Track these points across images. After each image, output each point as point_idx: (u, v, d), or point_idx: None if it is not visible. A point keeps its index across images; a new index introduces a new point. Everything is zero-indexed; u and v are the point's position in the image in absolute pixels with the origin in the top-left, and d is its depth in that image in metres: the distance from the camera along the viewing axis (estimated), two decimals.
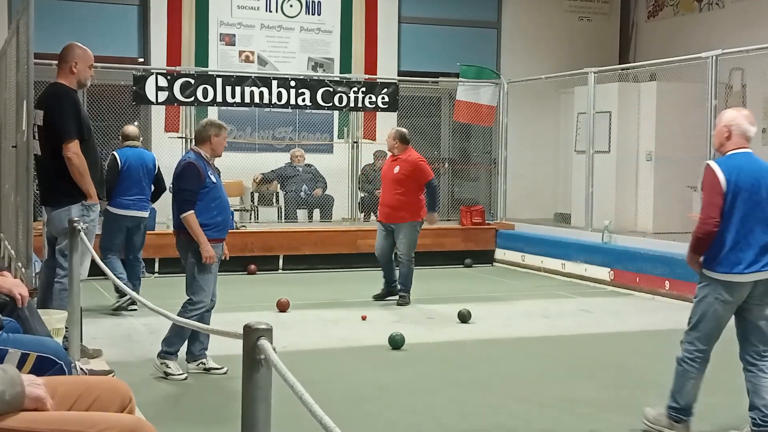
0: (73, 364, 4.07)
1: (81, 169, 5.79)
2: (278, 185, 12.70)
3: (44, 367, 3.09)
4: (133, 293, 4.82)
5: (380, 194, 9.41)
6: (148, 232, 10.66)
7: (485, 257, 12.58)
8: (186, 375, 5.91)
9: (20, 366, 3.01)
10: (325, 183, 12.65)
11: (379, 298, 9.29)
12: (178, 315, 5.44)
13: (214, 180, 5.98)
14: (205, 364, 6.03)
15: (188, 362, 6.03)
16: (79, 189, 5.84)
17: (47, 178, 5.93)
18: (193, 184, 5.88)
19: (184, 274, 6.08)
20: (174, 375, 5.87)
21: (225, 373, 5.96)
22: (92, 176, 5.90)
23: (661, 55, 12.00)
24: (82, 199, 5.86)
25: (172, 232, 6.17)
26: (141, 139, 8.97)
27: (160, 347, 5.95)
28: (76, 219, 5.61)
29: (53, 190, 5.92)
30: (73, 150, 5.76)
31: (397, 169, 9.01)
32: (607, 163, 11.89)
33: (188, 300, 5.95)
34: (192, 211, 5.87)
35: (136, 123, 12.93)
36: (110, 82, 11.60)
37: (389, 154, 9.37)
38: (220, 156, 6.12)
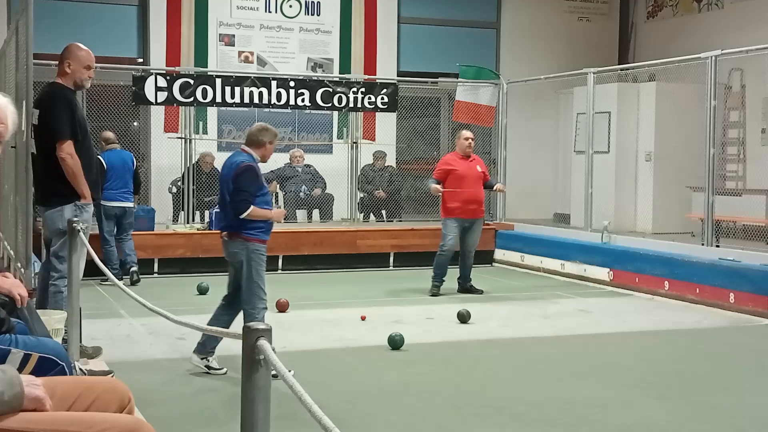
0: (72, 365, 4.06)
1: (74, 170, 5.75)
2: (278, 185, 12.69)
3: (46, 368, 3.08)
4: (129, 290, 4.80)
5: (460, 192, 9.67)
6: (147, 232, 10.95)
7: (484, 257, 12.56)
8: (226, 370, 5.95)
9: (22, 367, 3.00)
10: (325, 183, 12.65)
11: (462, 292, 9.85)
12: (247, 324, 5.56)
13: (265, 183, 6.09)
14: (209, 362, 6.03)
15: (196, 353, 6.03)
16: (72, 189, 5.80)
17: (43, 178, 5.90)
18: (253, 187, 5.93)
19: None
20: (216, 370, 5.95)
21: (224, 374, 5.96)
22: (87, 177, 5.86)
23: (661, 56, 12.01)
24: (76, 200, 5.83)
25: (224, 235, 6.10)
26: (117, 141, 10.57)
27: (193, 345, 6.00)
28: (75, 219, 5.59)
29: (46, 190, 5.90)
30: (67, 150, 5.73)
31: (479, 168, 9.78)
32: (606, 163, 11.89)
33: (251, 308, 5.95)
34: (252, 207, 5.89)
35: (135, 123, 12.97)
36: (109, 83, 11.61)
37: (455, 154, 9.83)
38: (266, 162, 6.22)
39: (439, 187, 9.65)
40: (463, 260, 9.91)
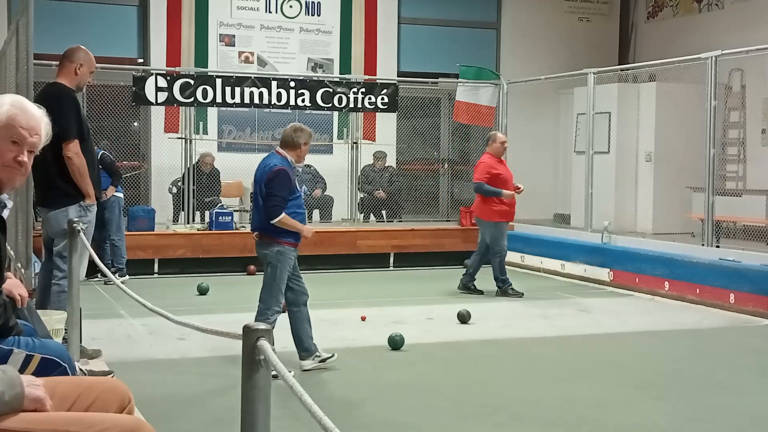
0: (74, 366, 4.06)
1: (81, 170, 5.77)
2: None
3: (48, 369, 3.08)
4: (127, 289, 4.79)
5: (509, 196, 9.82)
6: (147, 232, 11.06)
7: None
8: (336, 355, 6.21)
9: (24, 367, 3.00)
10: (325, 183, 12.65)
11: (463, 289, 9.95)
12: (256, 321, 5.70)
13: (298, 187, 6.13)
14: (320, 356, 6.15)
15: (304, 360, 6.12)
16: (76, 189, 5.81)
17: (46, 178, 5.89)
18: (285, 191, 5.97)
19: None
20: (329, 358, 6.15)
21: (335, 359, 6.17)
22: (90, 176, 5.88)
23: (661, 56, 12.01)
24: (80, 200, 5.84)
25: (255, 235, 6.16)
26: None
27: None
28: (75, 219, 5.59)
29: (51, 190, 5.89)
30: (74, 150, 5.74)
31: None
32: (606, 163, 11.89)
33: (265, 308, 6.06)
34: (284, 213, 5.96)
35: (135, 123, 12.98)
36: (110, 83, 11.61)
37: (492, 157, 9.90)
38: (301, 163, 6.26)
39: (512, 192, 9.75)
40: (482, 260, 9.93)
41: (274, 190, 5.94)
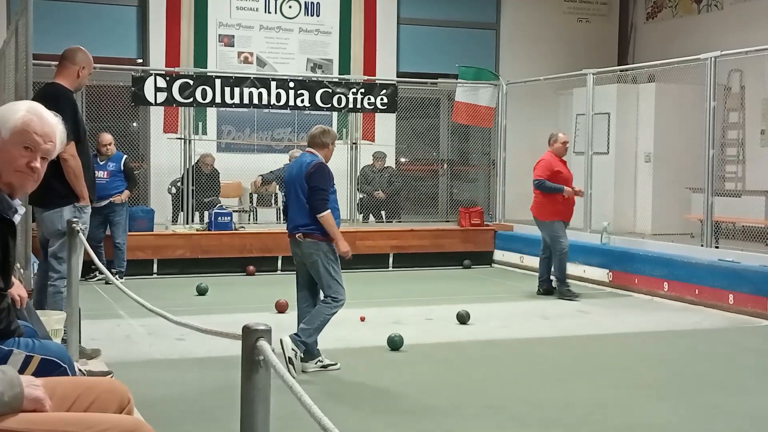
0: (74, 367, 4.05)
1: (76, 171, 5.76)
2: (277, 186, 12.70)
3: (48, 369, 3.07)
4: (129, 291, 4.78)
5: (570, 193, 9.76)
6: (147, 232, 11.07)
7: (484, 258, 12.59)
8: (339, 364, 6.21)
9: (24, 368, 3.00)
10: None
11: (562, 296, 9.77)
12: (321, 311, 5.95)
13: (333, 183, 6.19)
14: (322, 361, 6.17)
15: (306, 362, 6.12)
16: (71, 190, 5.80)
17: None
18: (327, 184, 6.06)
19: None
20: (332, 365, 6.17)
21: (339, 369, 6.17)
22: (85, 177, 5.87)
23: (660, 57, 12.01)
24: (75, 201, 5.83)
25: (298, 236, 6.15)
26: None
27: (297, 351, 6.03)
28: (74, 219, 5.58)
29: (47, 191, 5.87)
30: (70, 151, 5.73)
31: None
32: (605, 164, 11.89)
33: (331, 298, 6.08)
34: (329, 210, 6.01)
35: (135, 124, 12.97)
36: (109, 83, 11.61)
37: (554, 156, 9.80)
38: (327, 163, 6.28)
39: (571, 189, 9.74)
40: (549, 261, 9.90)
41: (318, 183, 6.02)
